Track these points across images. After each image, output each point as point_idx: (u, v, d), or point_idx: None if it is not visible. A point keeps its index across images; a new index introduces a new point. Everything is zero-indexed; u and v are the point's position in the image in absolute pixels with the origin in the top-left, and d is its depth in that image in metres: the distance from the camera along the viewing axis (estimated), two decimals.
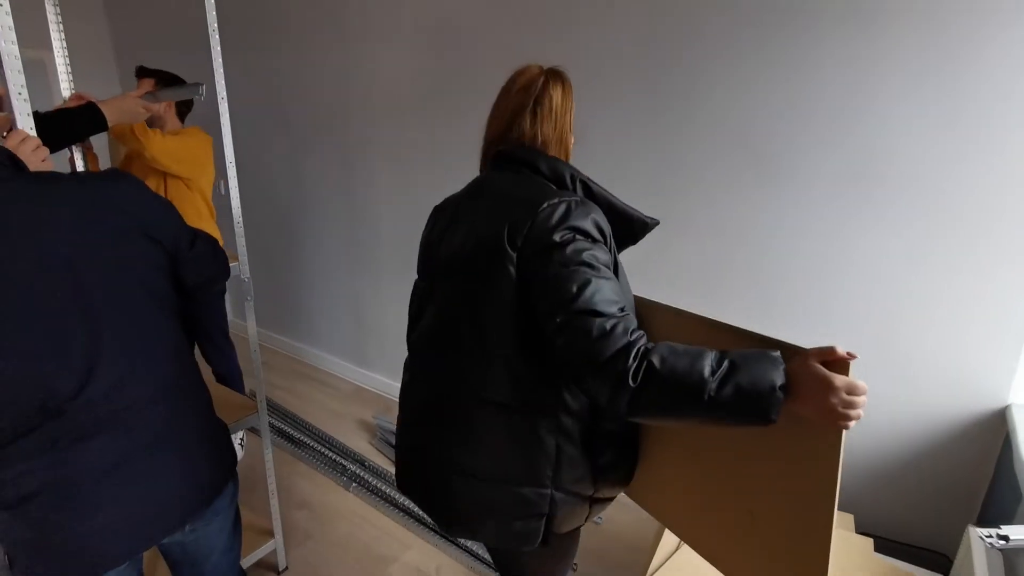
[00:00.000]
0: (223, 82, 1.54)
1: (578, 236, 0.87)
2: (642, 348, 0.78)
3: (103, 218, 0.96)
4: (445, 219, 1.10)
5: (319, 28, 2.80)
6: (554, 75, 1.05)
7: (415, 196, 2.67)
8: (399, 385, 3.08)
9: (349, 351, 3.30)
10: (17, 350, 0.87)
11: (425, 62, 2.46)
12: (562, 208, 0.88)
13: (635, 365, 0.77)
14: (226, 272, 1.27)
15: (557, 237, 0.86)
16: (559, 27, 2.05)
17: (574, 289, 0.83)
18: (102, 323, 0.94)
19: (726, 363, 0.76)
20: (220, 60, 1.52)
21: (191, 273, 1.14)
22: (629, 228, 1.01)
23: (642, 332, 0.82)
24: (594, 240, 0.88)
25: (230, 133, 1.58)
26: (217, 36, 1.51)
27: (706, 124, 1.82)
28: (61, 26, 1.96)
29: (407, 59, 2.51)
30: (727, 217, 1.86)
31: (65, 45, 1.99)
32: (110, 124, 1.59)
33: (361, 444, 2.66)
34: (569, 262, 0.85)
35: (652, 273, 1.94)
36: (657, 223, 1.01)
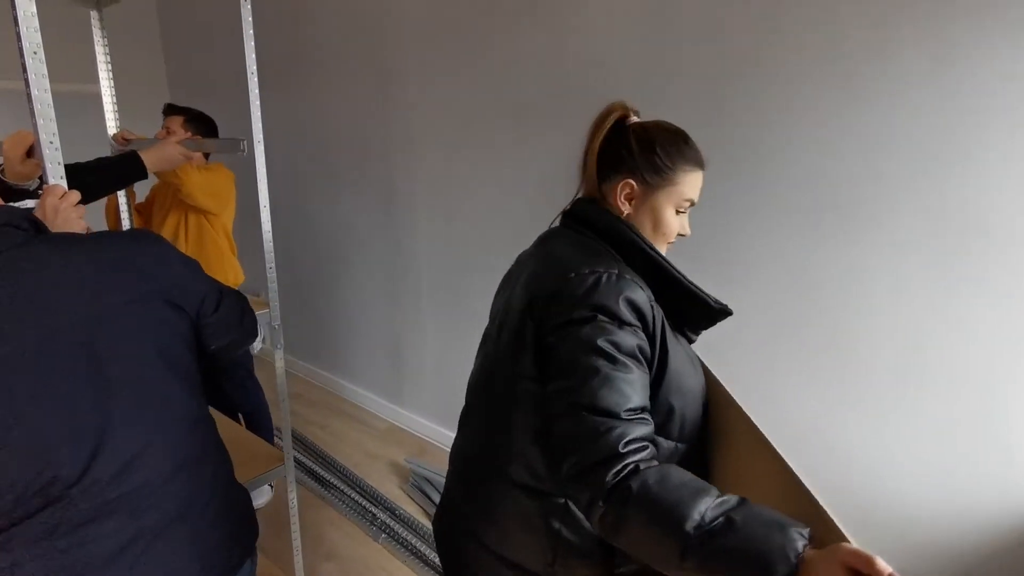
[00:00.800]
0: (260, 125, 1.50)
1: (601, 316, 0.76)
2: (631, 466, 0.66)
3: (122, 285, 0.90)
4: (512, 271, 1.05)
5: (359, 64, 2.79)
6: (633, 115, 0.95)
7: (455, 234, 2.60)
8: (433, 426, 3.00)
9: (385, 388, 3.22)
10: (23, 427, 0.80)
11: (466, 97, 2.40)
12: (591, 280, 0.78)
13: (614, 483, 0.65)
14: (252, 335, 1.19)
15: (577, 314, 0.77)
16: (613, 67, 1.95)
17: (578, 377, 0.73)
18: (115, 399, 0.86)
19: (722, 519, 0.60)
20: (258, 103, 1.48)
21: (213, 337, 1.07)
22: (705, 310, 0.89)
23: (645, 444, 0.70)
24: (622, 323, 0.76)
25: (265, 177, 1.53)
26: (256, 79, 1.47)
27: (776, 170, 1.68)
28: (109, 64, 1.98)
29: (447, 94, 2.46)
30: (798, 272, 1.70)
31: (112, 84, 2.01)
32: (150, 172, 1.57)
33: (393, 489, 2.56)
34: (583, 345, 0.74)
35: (713, 331, 1.78)
36: (728, 313, 0.89)
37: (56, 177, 1.16)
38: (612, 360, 0.73)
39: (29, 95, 1.10)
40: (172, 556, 0.94)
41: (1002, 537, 1.53)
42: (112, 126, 2.03)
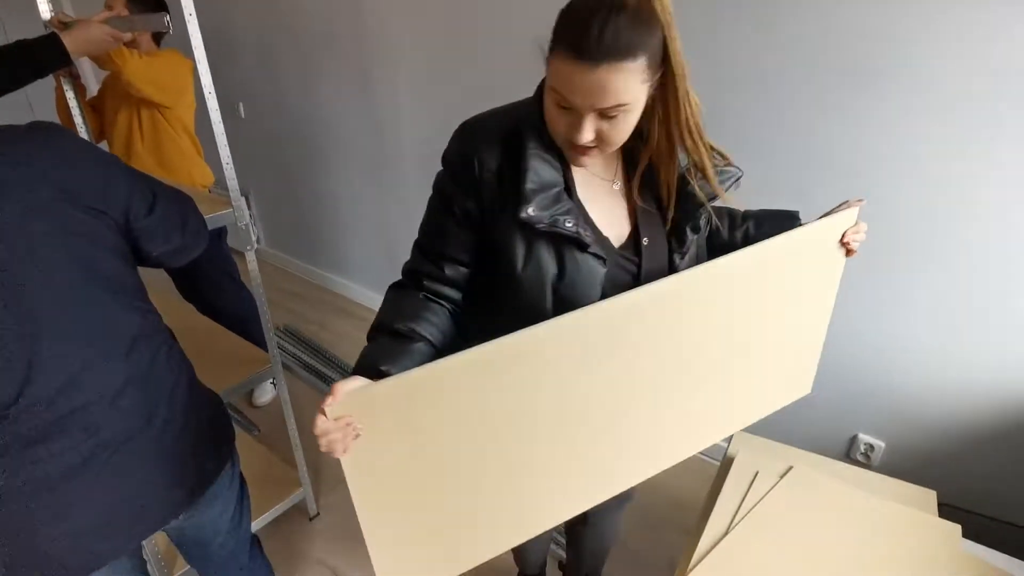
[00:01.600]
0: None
1: (443, 162, 0.88)
2: (402, 280, 0.91)
3: (23, 190, 0.78)
4: None
5: None
6: None
7: (440, 109, 2.40)
8: None
9: (381, 285, 3.13)
10: None
11: None
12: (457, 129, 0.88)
13: (393, 283, 0.92)
14: (200, 239, 1.09)
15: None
16: None
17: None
18: (39, 320, 0.79)
19: (376, 335, 0.83)
20: None
21: (152, 243, 0.97)
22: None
23: (420, 278, 0.87)
24: (451, 174, 0.86)
25: (204, 58, 1.35)
26: None
27: (780, 25, 1.46)
28: None
29: None
30: (809, 138, 1.54)
31: None
32: (74, 56, 1.40)
33: None
34: (433, 184, 0.90)
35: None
36: (532, 220, 0.78)
37: None
38: (432, 203, 0.89)
39: None
40: (135, 470, 0.92)
41: (995, 412, 1.50)
42: (45, 8, 1.80)
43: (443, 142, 0.87)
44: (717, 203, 0.88)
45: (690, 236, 0.89)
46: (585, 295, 0.84)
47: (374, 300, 3.23)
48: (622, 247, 0.88)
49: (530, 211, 0.77)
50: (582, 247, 0.82)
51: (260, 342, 1.70)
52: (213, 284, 2.15)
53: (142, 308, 0.94)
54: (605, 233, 0.86)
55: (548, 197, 0.79)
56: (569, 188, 0.83)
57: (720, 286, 0.84)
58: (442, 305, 0.87)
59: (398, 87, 2.51)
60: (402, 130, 2.60)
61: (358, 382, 0.67)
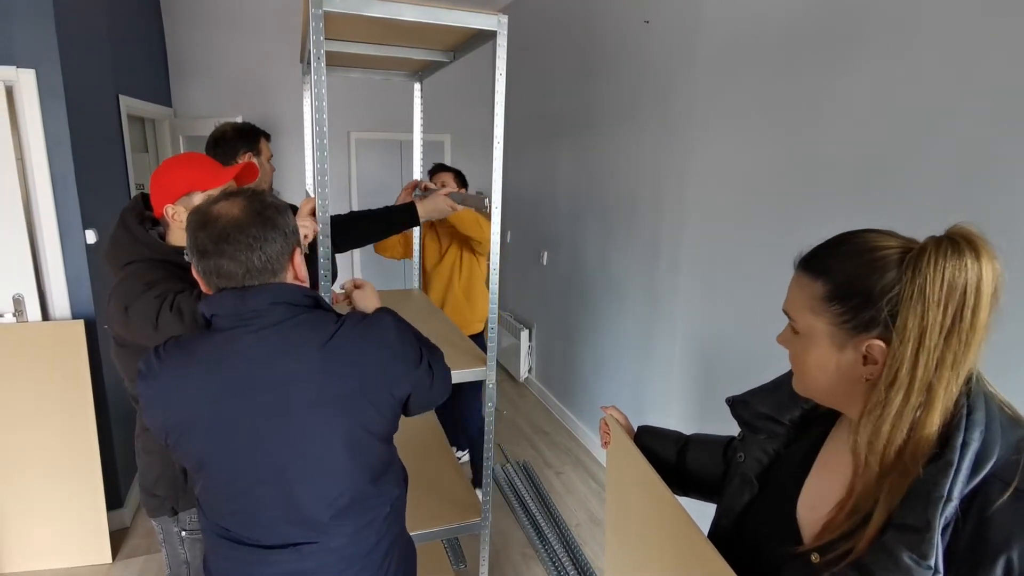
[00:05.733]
0: (500, 188, 1.53)
1: None
2: None
3: (342, 380, 0.96)
4: None
5: (645, 114, 2.71)
6: None
7: (716, 308, 2.30)
8: None
9: None
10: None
11: (750, 153, 2.10)
12: None
13: None
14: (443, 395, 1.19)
15: None
16: (947, 131, 1.46)
17: None
18: (299, 478, 0.97)
19: None
20: (500, 168, 1.53)
21: (417, 405, 1.10)
22: None
23: None
24: None
25: (499, 243, 1.57)
26: (500, 147, 1.51)
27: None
28: (421, 121, 2.35)
29: (728, 149, 2.20)
30: None
31: (422, 134, 2.37)
32: (422, 219, 1.81)
33: (603, 564, 2.38)
34: None
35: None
36: None
37: (326, 235, 1.36)
38: None
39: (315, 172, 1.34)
40: None
41: None
42: (418, 162, 2.40)
43: (711, 327, 0.84)
44: None
45: None
46: (725, 511, 0.83)
47: None
48: (813, 539, 0.67)
49: (736, 399, 0.84)
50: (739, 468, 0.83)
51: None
52: (470, 407, 2.48)
53: (376, 479, 1.06)
54: (803, 509, 0.71)
55: (759, 415, 0.81)
56: (803, 425, 0.77)
57: None
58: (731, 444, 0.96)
59: (680, 267, 2.51)
60: (676, 306, 2.55)
61: (622, 419, 1.04)
